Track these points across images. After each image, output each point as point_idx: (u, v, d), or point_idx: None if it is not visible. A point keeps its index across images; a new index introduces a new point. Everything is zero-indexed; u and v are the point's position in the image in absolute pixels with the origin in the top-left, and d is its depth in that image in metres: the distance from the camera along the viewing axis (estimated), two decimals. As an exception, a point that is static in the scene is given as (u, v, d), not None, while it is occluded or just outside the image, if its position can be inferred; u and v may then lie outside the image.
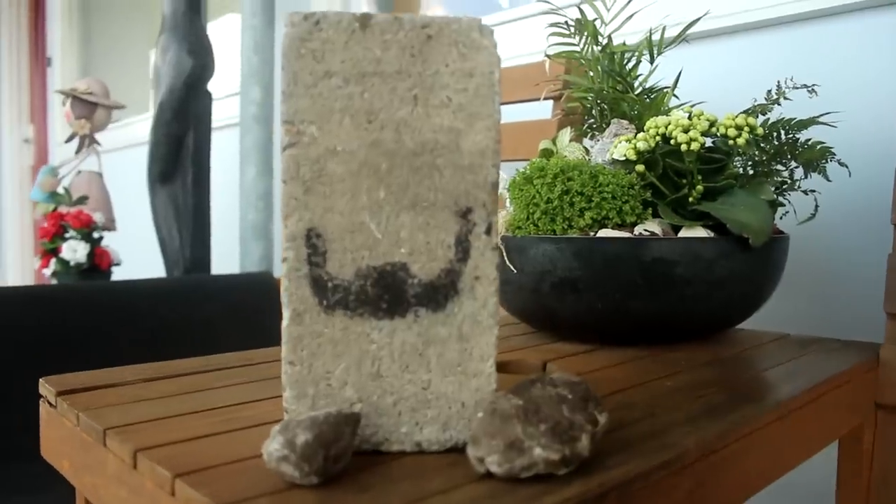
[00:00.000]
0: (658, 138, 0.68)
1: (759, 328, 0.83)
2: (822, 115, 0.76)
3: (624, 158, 0.69)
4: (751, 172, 0.77)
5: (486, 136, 0.39)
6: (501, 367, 0.63)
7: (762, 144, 0.77)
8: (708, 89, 0.98)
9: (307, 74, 0.38)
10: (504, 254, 0.69)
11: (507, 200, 0.74)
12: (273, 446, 0.35)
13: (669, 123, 0.68)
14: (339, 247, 0.39)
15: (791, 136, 0.77)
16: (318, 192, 0.38)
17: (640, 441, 0.41)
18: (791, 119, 0.76)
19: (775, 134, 0.77)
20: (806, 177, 0.79)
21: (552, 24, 0.81)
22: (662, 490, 0.39)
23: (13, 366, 0.94)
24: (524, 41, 1.24)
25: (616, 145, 0.70)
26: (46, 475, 0.61)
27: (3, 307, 0.98)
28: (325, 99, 0.38)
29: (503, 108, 1.04)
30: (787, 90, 0.76)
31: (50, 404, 0.53)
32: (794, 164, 0.78)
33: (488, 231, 0.39)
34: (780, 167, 0.78)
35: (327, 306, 0.39)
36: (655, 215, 0.68)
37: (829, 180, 0.80)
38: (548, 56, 0.84)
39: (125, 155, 2.44)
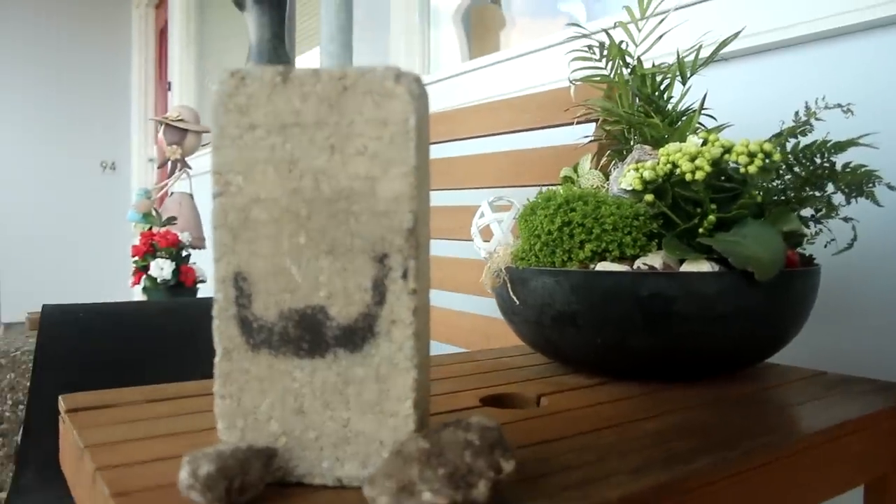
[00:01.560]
0: (669, 166, 0.66)
1: (804, 364, 0.78)
2: (861, 136, 0.71)
3: (631, 188, 0.67)
4: (784, 199, 0.73)
5: (402, 183, 0.40)
6: (495, 401, 0.64)
7: (795, 169, 0.73)
8: (748, 111, 0.93)
9: (233, 127, 0.40)
10: (508, 285, 0.69)
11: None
12: (182, 475, 0.37)
13: (678, 150, 0.66)
14: (263, 289, 0.41)
15: (827, 159, 0.72)
16: (244, 238, 0.41)
17: (561, 491, 0.41)
18: (826, 141, 0.72)
19: (810, 158, 0.72)
20: (848, 202, 0.74)
21: (576, 50, 0.80)
22: (576, 541, 0.38)
23: (85, 379, 1.03)
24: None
25: (625, 174, 0.68)
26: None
27: (77, 323, 1.07)
28: (250, 150, 0.40)
29: (549, 132, 1.03)
30: (817, 111, 0.72)
31: (62, 420, 0.58)
32: (831, 189, 0.73)
33: (405, 276, 0.40)
34: (816, 193, 0.73)
35: (253, 345, 0.41)
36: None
37: (880, 205, 0.74)
38: (571, 81, 0.83)
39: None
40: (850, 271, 0.86)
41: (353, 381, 0.40)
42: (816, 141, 0.72)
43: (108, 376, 1.03)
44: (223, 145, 0.40)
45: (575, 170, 0.79)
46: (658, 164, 0.66)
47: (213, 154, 0.41)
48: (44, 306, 1.07)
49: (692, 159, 0.64)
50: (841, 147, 0.71)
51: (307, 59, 2.67)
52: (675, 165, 0.66)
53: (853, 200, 0.74)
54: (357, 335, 0.40)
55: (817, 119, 0.72)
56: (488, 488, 0.37)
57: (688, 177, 0.63)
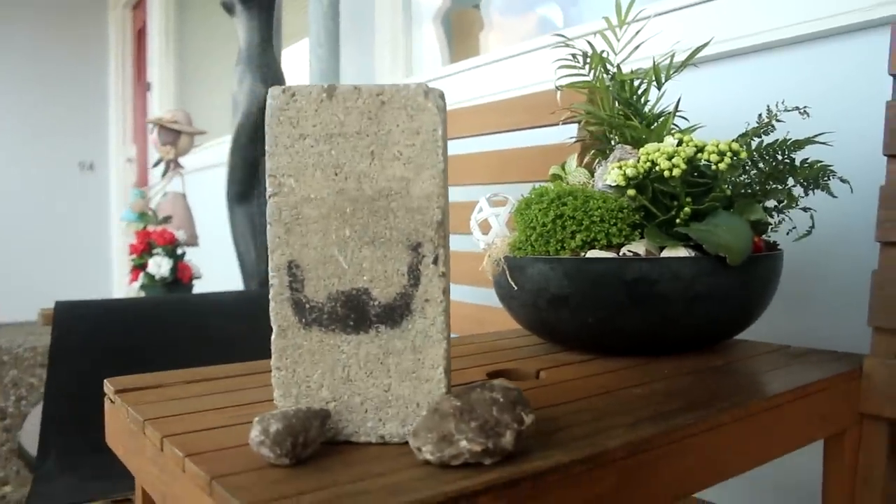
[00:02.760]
0: (648, 164, 0.74)
1: (769, 340, 0.87)
2: (817, 135, 0.80)
3: (615, 184, 0.75)
4: (749, 192, 0.81)
5: (432, 183, 0.47)
6: (499, 375, 0.71)
7: (760, 165, 0.82)
8: (718, 112, 1.02)
9: (286, 137, 0.47)
10: (507, 272, 0.76)
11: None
12: (253, 433, 0.44)
13: (657, 150, 0.73)
14: (314, 275, 0.47)
15: (787, 156, 0.80)
16: (297, 232, 0.47)
17: (573, 441, 0.48)
18: (787, 140, 0.80)
19: (772, 154, 0.81)
20: (806, 194, 0.83)
21: (561, 58, 0.88)
22: (585, 481, 0.46)
23: (98, 370, 1.08)
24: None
25: (610, 171, 0.76)
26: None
27: (88, 318, 1.12)
28: (301, 156, 0.47)
29: (532, 132, 1.11)
30: (778, 113, 0.80)
31: (110, 400, 0.64)
32: (791, 182, 0.81)
33: (435, 261, 0.47)
34: (778, 186, 0.81)
35: (306, 323, 0.48)
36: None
37: (834, 196, 0.83)
38: (557, 87, 0.90)
39: (210, 174, 2.64)
40: (809, 255, 0.95)
41: (393, 352, 0.47)
42: (778, 140, 0.80)
43: (121, 368, 1.09)
44: (277, 152, 0.47)
45: (563, 168, 0.86)
46: (639, 162, 0.74)
47: (268, 159, 0.47)
48: (57, 303, 1.12)
49: (669, 158, 0.72)
50: (799, 145, 0.80)
51: (289, 54, 2.71)
52: (653, 163, 0.73)
53: (811, 192, 0.83)
54: (396, 312, 0.47)
55: (778, 121, 0.81)
56: (514, 437, 0.44)
57: (665, 173, 0.71)
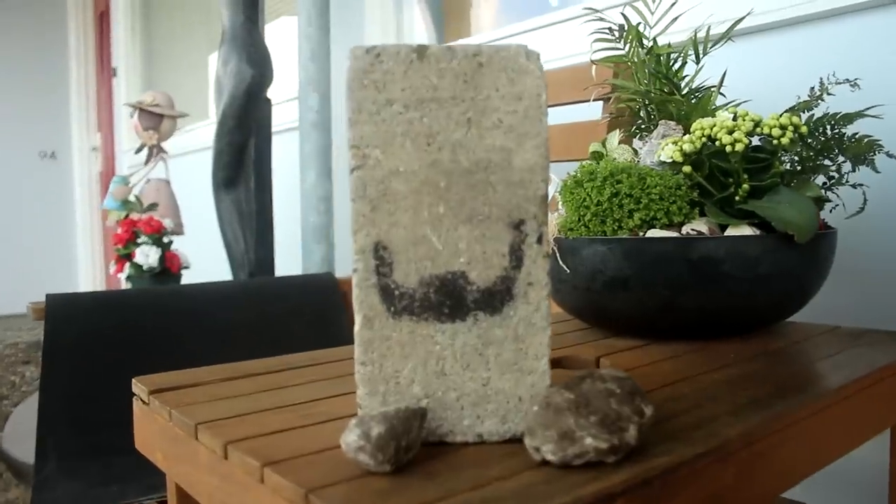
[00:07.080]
0: (704, 139, 0.71)
1: (812, 321, 0.84)
2: (867, 108, 0.77)
3: (671, 160, 0.71)
4: (798, 168, 0.78)
5: (536, 154, 0.42)
6: (555, 363, 0.67)
7: (808, 140, 0.79)
8: (755, 86, 0.99)
9: (370, 103, 0.42)
10: (557, 255, 0.72)
11: (559, 203, 0.77)
12: (351, 437, 0.39)
13: (715, 125, 0.70)
14: (403, 258, 0.43)
15: (837, 130, 0.78)
16: (384, 209, 0.42)
17: (687, 431, 0.44)
18: (836, 114, 0.77)
19: (821, 129, 0.78)
20: (854, 170, 0.80)
21: (596, 31, 0.83)
22: (706, 476, 0.42)
23: (95, 367, 1.02)
24: (573, 42, 1.27)
25: (663, 147, 0.72)
26: (136, 466, 0.66)
27: (83, 312, 1.05)
28: (388, 124, 0.42)
29: (551, 109, 1.06)
30: (829, 86, 0.77)
31: (143, 402, 0.59)
32: (841, 158, 0.79)
33: (539, 240, 0.42)
34: (827, 162, 0.79)
35: (395, 312, 0.43)
36: (703, 215, 0.70)
37: (877, 171, 0.80)
38: (593, 62, 0.86)
39: (190, 160, 2.55)
40: (851, 234, 0.93)
41: (493, 342, 0.43)
42: (827, 114, 0.78)
43: (121, 364, 1.02)
44: (360, 120, 0.42)
45: (603, 145, 0.82)
46: (694, 137, 0.70)
47: (349, 128, 0.42)
48: (48, 296, 1.04)
49: (730, 132, 0.68)
50: (850, 119, 0.77)
51: (268, 31, 2.62)
52: (710, 139, 0.70)
53: (857, 168, 0.80)
54: (496, 298, 0.43)
55: (829, 94, 0.78)
56: (637, 431, 0.40)
57: (728, 148, 0.68)
